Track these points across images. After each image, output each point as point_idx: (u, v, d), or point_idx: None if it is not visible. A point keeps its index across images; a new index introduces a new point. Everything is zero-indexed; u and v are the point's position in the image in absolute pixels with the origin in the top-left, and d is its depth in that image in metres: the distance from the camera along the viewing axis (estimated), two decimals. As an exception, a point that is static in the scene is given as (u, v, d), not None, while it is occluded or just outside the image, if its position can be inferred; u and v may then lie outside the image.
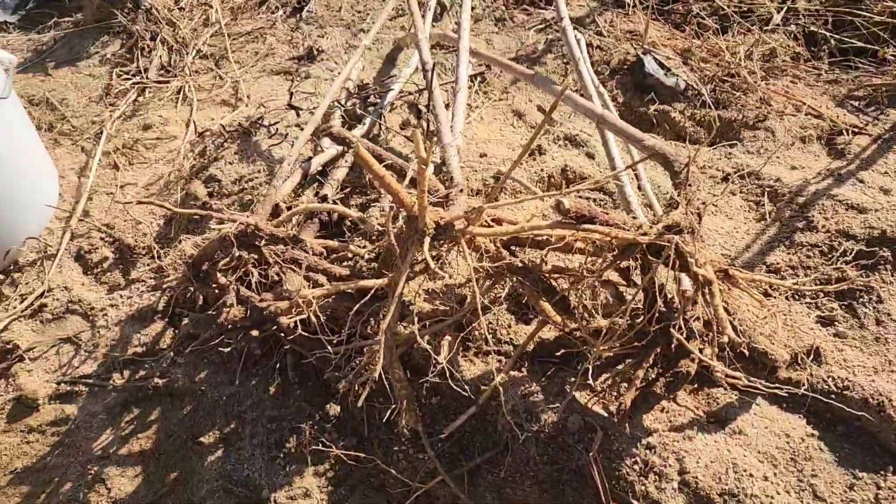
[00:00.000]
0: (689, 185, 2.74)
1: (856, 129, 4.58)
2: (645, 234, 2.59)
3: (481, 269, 2.85)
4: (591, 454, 2.96)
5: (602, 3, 5.97)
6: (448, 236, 2.66)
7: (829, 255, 3.56)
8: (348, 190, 3.93)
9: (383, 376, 2.72)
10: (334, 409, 3.51)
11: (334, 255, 3.54)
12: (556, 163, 4.15)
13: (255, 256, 3.21)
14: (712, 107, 4.93)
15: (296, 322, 3.45)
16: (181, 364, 3.74)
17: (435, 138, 3.23)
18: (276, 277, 3.66)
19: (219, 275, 3.50)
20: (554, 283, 3.15)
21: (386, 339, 2.74)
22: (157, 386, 3.69)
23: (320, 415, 3.50)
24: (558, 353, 3.36)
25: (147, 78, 5.31)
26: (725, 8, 5.49)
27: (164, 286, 3.84)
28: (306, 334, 3.35)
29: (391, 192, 2.55)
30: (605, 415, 3.16)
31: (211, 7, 5.90)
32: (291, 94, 4.48)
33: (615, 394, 3.30)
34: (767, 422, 3.15)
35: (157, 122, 4.98)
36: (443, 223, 2.65)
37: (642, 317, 2.93)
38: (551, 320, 3.27)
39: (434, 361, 3.31)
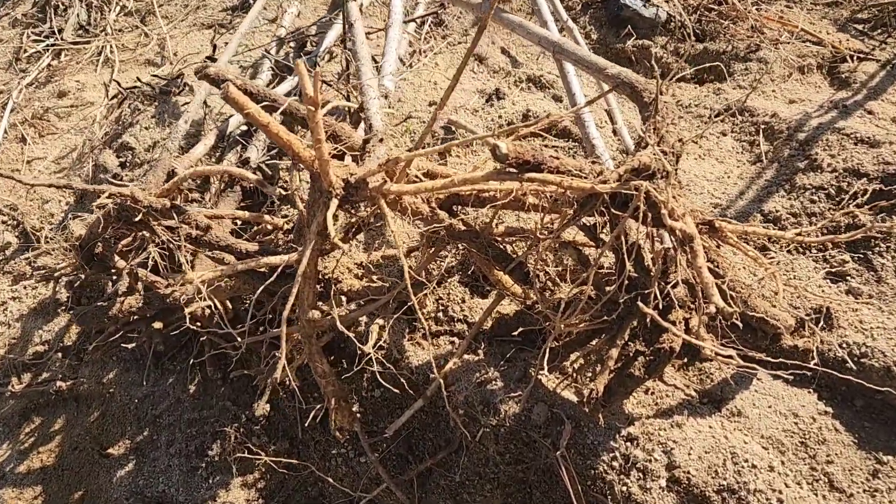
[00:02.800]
0: (662, 119, 2.18)
1: (861, 55, 3.99)
2: (605, 181, 2.03)
3: (413, 237, 2.32)
4: (559, 451, 2.44)
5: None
6: (362, 196, 2.12)
7: (838, 198, 3.01)
8: (276, 151, 3.37)
9: (289, 370, 2.19)
10: (263, 407, 3.00)
11: (256, 229, 3.01)
12: (518, 108, 3.58)
13: (151, 235, 2.67)
14: (698, 39, 4.34)
15: (207, 311, 2.95)
16: (88, 363, 3.23)
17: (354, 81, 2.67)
18: (189, 259, 3.14)
19: (117, 258, 2.96)
20: (508, 249, 2.61)
21: (301, 327, 2.21)
22: (60, 390, 3.18)
23: (247, 415, 3.00)
24: (519, 332, 2.83)
25: (62, 39, 4.71)
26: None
27: (57, 274, 3.31)
28: (220, 325, 2.85)
29: (281, 143, 2.00)
30: (577, 403, 2.65)
31: (136, -42, 5.28)
32: (214, 46, 3.89)
33: (588, 377, 2.79)
34: (771, 399, 2.65)
35: (74, 89, 4.41)
36: (353, 181, 2.10)
37: (613, 284, 2.41)
38: (509, 292, 2.74)
39: (373, 348, 2.79)
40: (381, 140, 2.26)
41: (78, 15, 4.85)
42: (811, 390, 2.63)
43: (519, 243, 2.76)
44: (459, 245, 2.50)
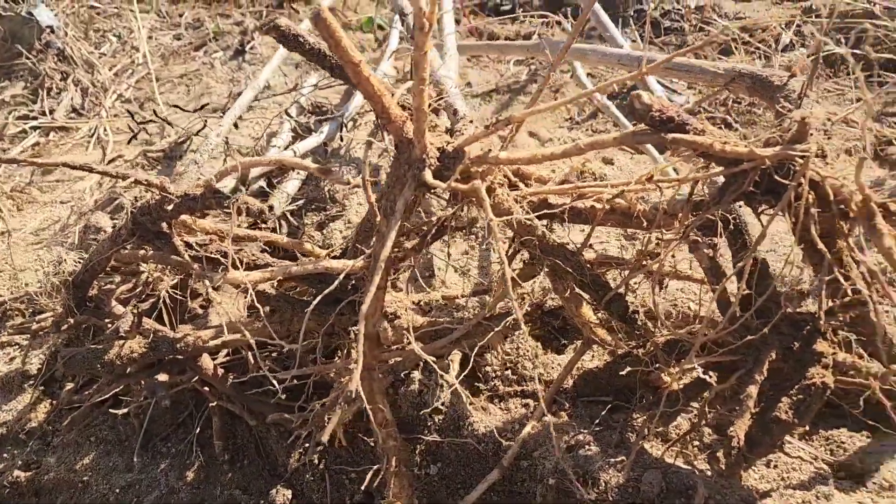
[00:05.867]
0: (807, 97, 1.88)
1: (906, 138, 3.87)
2: (766, 145, 1.68)
3: (504, 240, 1.90)
4: (692, 524, 1.88)
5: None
6: (459, 170, 1.70)
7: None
8: (301, 202, 2.97)
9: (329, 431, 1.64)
10: (283, 494, 2.36)
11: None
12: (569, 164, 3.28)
13: (164, 262, 2.18)
14: (729, 127, 4.20)
15: (222, 365, 2.41)
16: (57, 447, 2.57)
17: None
18: (197, 310, 2.62)
19: (114, 302, 2.44)
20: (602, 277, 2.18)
21: (365, 333, 1.70)
22: (16, 482, 2.50)
23: (262, 506, 2.35)
24: (611, 388, 2.34)
25: (54, 119, 4.37)
26: (724, 35, 4.92)
27: (36, 327, 2.72)
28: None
29: (370, 91, 1.61)
30: (692, 470, 2.12)
31: (137, 51, 5.09)
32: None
33: (696, 444, 2.27)
34: (928, 469, 2.15)
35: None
36: (451, 149, 1.70)
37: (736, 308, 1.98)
38: (597, 337, 2.27)
39: (432, 406, 2.25)
40: (471, 121, 1.89)
41: (72, 98, 4.55)
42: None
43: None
44: (546, 262, 2.05)
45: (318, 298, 1.78)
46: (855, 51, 4.59)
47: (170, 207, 1.86)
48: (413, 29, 1.50)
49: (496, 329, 1.99)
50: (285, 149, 3.31)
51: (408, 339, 2.03)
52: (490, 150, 1.71)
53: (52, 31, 4.94)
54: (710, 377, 1.72)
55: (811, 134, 1.74)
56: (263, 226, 2.85)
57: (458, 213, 1.97)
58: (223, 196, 1.80)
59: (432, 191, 1.69)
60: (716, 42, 4.67)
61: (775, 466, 2.23)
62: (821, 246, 1.69)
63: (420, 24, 1.49)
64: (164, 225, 2.05)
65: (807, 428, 2.34)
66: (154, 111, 3.82)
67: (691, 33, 5.09)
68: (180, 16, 5.92)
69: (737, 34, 4.86)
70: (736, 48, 4.71)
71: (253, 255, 2.10)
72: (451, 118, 2.02)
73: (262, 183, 3.07)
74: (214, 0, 6.06)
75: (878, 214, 1.65)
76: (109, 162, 3.71)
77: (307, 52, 1.84)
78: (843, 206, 1.73)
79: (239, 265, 1.90)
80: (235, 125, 3.59)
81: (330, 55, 1.88)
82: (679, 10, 5.23)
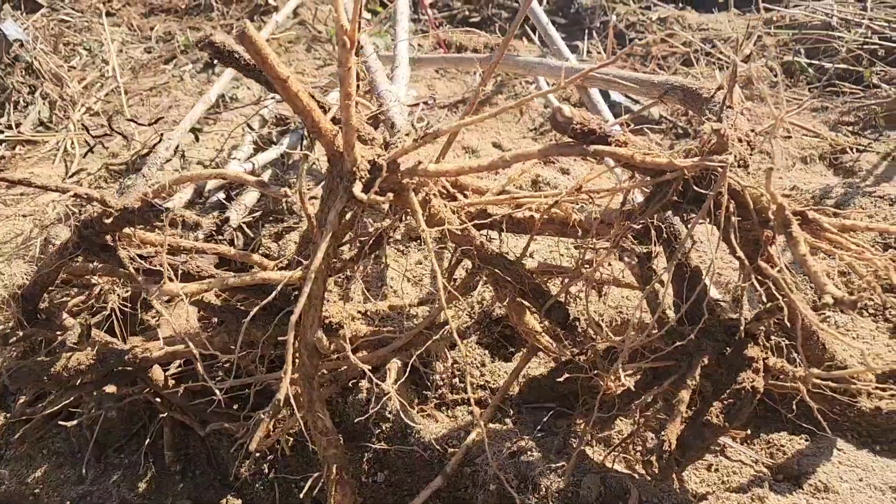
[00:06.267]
0: (731, 108, 1.94)
1: (860, 148, 3.95)
2: (686, 156, 1.73)
3: (444, 251, 1.94)
4: (625, 527, 1.92)
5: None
6: (390, 182, 1.75)
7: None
8: (259, 214, 3.01)
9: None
10: (233, 504, 2.39)
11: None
12: (525, 176, 3.33)
13: (112, 274, 2.21)
14: (691, 136, 4.27)
15: (176, 376, 2.43)
16: (10, 460, 2.59)
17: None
18: (151, 322, 2.65)
19: (65, 314, 2.46)
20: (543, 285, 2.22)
21: (301, 364, 1.73)
22: (-31, 494, 2.52)
23: (213, 515, 2.38)
24: (555, 394, 2.37)
25: (20, 133, 4.38)
26: (687, 46, 5.00)
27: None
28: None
29: (299, 106, 1.65)
30: (632, 474, 2.16)
31: (107, 64, 5.12)
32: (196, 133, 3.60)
33: (639, 448, 2.31)
34: (860, 472, 2.23)
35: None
36: (381, 161, 1.74)
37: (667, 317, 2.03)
38: (541, 344, 2.31)
39: (370, 414, 2.27)
40: (407, 134, 1.93)
41: (39, 112, 4.56)
42: (906, 459, 2.21)
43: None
44: (486, 272, 2.10)
45: (255, 310, 1.82)
46: (812, 61, 4.70)
47: (109, 221, 1.89)
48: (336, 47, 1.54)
49: (435, 338, 2.04)
50: (246, 161, 3.34)
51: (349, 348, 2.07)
52: (420, 163, 1.75)
53: (22, 45, 4.95)
54: (628, 383, 1.75)
55: (731, 144, 1.79)
56: (220, 237, 2.88)
57: (396, 224, 2.01)
58: (159, 209, 1.83)
59: (362, 203, 1.73)
60: (631, 54, 4.75)
61: (716, 470, 2.27)
62: (739, 253, 1.74)
63: (341, 41, 1.54)
64: (109, 237, 2.08)
65: (748, 432, 2.39)
66: (110, 124, 3.84)
67: (655, 45, 5.17)
68: (151, 29, 5.95)
69: (699, 45, 4.96)
70: (697, 59, 4.80)
71: (198, 266, 2.12)
72: (390, 131, 2.06)
73: (221, 195, 3.11)
74: (185, 13, 6.11)
75: (794, 223, 1.70)
76: (72, 175, 3.73)
77: (242, 67, 1.88)
78: (763, 215, 1.78)
79: (175, 277, 1.92)
80: (197, 138, 3.63)
81: (266, 70, 1.92)
82: (643, 21, 5.32)
